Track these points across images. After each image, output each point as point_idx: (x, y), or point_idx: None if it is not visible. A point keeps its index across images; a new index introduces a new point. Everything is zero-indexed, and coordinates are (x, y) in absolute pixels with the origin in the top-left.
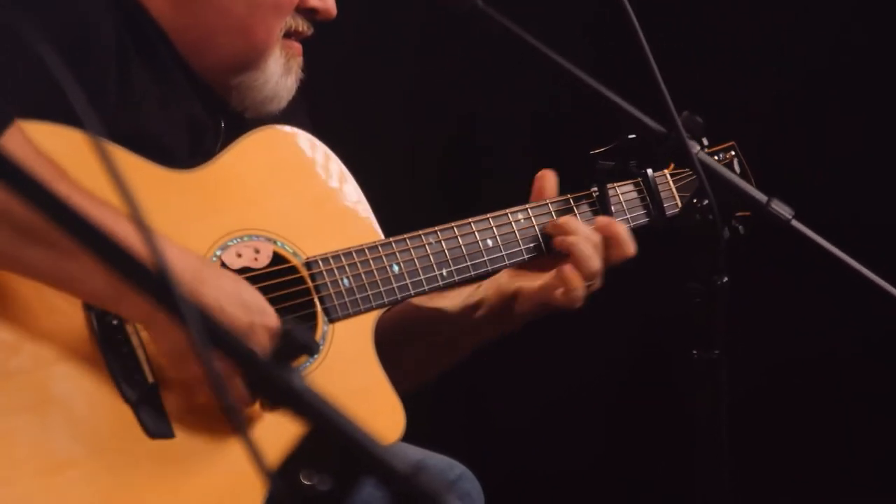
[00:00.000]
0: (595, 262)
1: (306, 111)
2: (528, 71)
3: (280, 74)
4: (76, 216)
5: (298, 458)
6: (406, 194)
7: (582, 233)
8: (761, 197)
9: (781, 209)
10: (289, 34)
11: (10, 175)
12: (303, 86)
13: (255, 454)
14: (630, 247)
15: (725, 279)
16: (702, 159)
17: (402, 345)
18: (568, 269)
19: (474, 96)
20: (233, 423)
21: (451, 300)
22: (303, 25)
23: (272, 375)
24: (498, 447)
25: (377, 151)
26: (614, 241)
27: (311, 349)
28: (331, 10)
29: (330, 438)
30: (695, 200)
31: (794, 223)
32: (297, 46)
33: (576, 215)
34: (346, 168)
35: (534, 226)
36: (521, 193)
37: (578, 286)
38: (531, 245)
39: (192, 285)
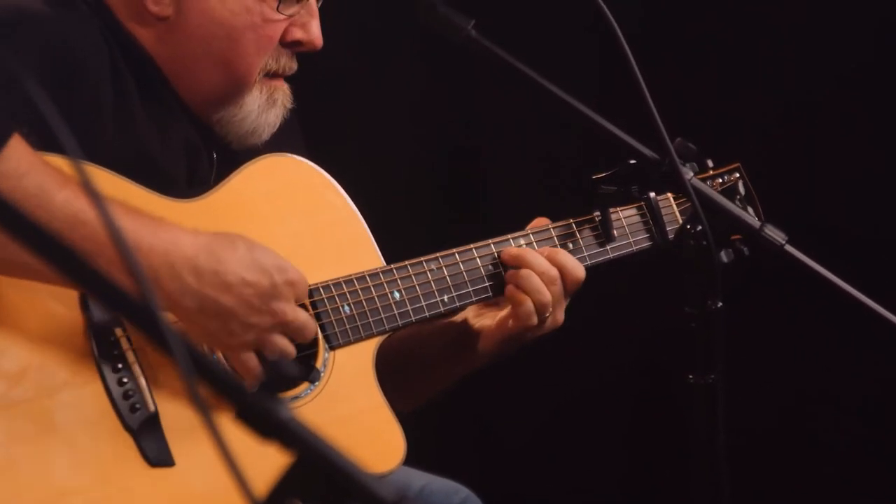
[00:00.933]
0: (544, 294)
1: (301, 135)
2: (533, 95)
3: (259, 111)
4: (58, 246)
5: (285, 487)
6: (408, 219)
7: (535, 266)
8: (755, 222)
9: (775, 234)
10: (271, 74)
11: None
12: (299, 108)
13: (243, 483)
14: (579, 271)
15: (720, 304)
16: (695, 185)
17: (390, 369)
18: (522, 302)
19: (478, 120)
20: (220, 453)
21: (423, 336)
22: (286, 64)
23: (259, 407)
24: (502, 470)
25: (380, 174)
26: (562, 269)
27: (298, 381)
28: (316, 42)
29: (316, 468)
30: (688, 226)
31: (788, 248)
32: (281, 84)
33: (578, 240)
34: (348, 193)
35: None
36: (524, 218)
37: (531, 319)
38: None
39: (210, 265)
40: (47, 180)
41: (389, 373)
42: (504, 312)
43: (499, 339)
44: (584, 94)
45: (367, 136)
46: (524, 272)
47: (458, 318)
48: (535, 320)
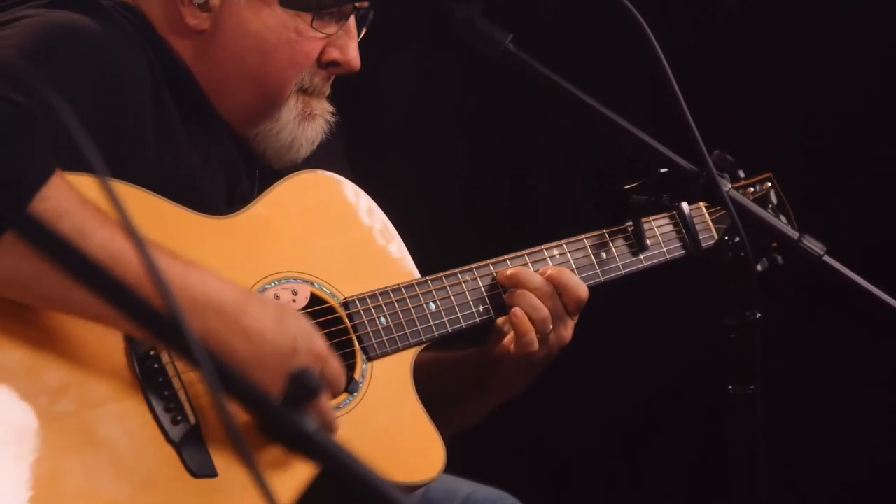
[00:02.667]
0: (541, 311)
1: (344, 152)
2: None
3: (296, 123)
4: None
5: (311, 499)
6: (445, 231)
7: (529, 284)
8: (793, 233)
9: (813, 245)
10: (304, 90)
11: (33, 235)
12: (341, 125)
13: (268, 494)
14: (581, 290)
15: (759, 315)
16: (733, 197)
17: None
18: (516, 311)
19: (524, 134)
20: (246, 465)
21: (450, 368)
22: (320, 85)
23: (284, 419)
24: (551, 480)
25: (417, 188)
26: (563, 288)
27: (320, 393)
28: (352, 64)
29: (341, 480)
30: (727, 238)
31: (827, 259)
32: (319, 100)
33: (612, 250)
34: (392, 209)
35: (569, 261)
36: (569, 231)
37: (528, 331)
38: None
39: (234, 315)
40: (85, 222)
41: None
42: (508, 337)
43: (508, 365)
44: (622, 106)
45: (412, 153)
46: (518, 292)
47: (475, 350)
48: (534, 342)
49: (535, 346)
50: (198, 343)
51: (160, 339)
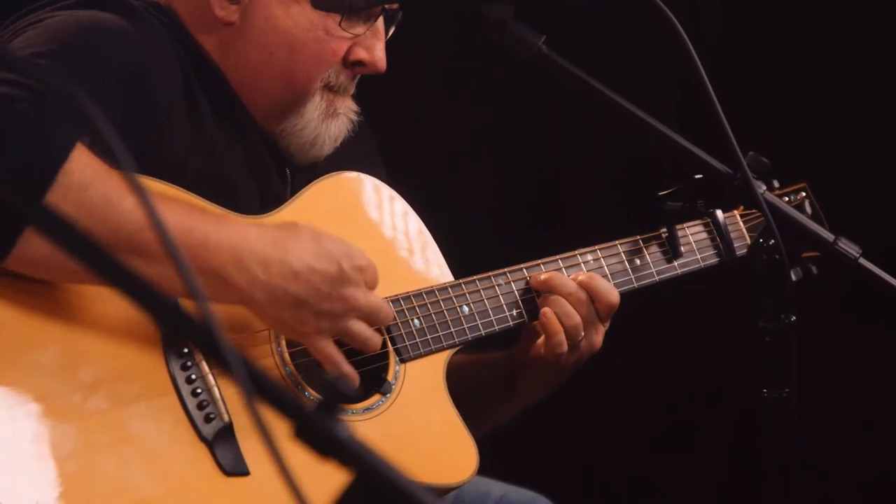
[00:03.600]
0: (573, 318)
1: (379, 153)
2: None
3: (319, 120)
4: (121, 269)
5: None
6: (478, 234)
7: (562, 290)
8: (828, 236)
9: (849, 248)
10: (329, 88)
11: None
12: (377, 126)
13: (300, 496)
14: (613, 296)
15: (794, 318)
16: (768, 199)
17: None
18: (547, 312)
19: (556, 137)
20: (278, 469)
21: (481, 370)
22: (345, 84)
23: (318, 425)
24: (585, 483)
25: (448, 192)
26: (595, 294)
27: (354, 399)
28: (378, 65)
29: (375, 486)
30: (761, 240)
31: (862, 261)
32: (344, 98)
33: (645, 256)
34: (427, 212)
35: (603, 266)
36: (593, 234)
37: (558, 333)
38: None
39: (277, 260)
40: (112, 189)
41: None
42: (539, 340)
43: (537, 368)
44: (651, 108)
45: (442, 157)
46: (552, 297)
47: (504, 353)
48: (564, 345)
49: (565, 346)
50: (230, 348)
51: (193, 343)
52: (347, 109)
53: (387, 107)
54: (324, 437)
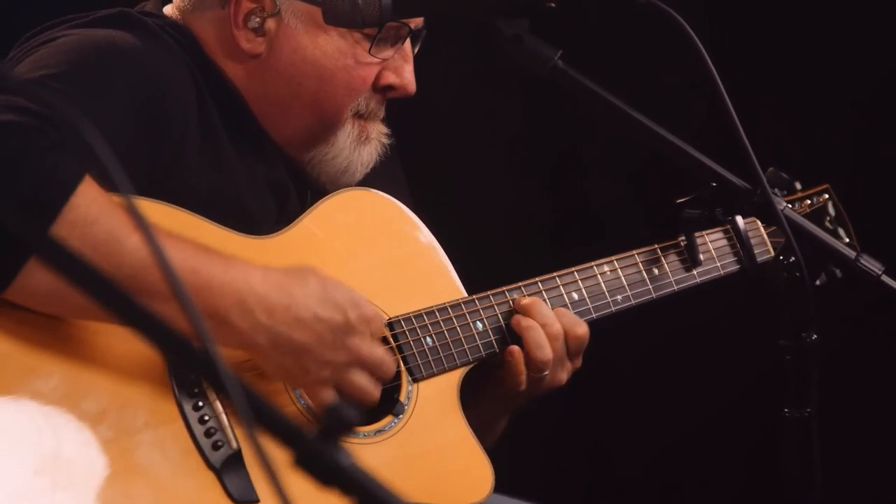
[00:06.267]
0: (545, 351)
1: (403, 173)
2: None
3: (352, 148)
4: (122, 296)
5: None
6: (491, 250)
7: (541, 320)
8: (850, 253)
9: (871, 264)
10: (360, 115)
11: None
12: (397, 143)
13: None
14: (580, 327)
15: (815, 336)
16: (788, 216)
17: None
18: (514, 350)
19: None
20: (279, 498)
21: None
22: (375, 109)
23: (319, 453)
24: (598, 498)
25: (461, 206)
26: (568, 329)
27: (356, 426)
28: (409, 88)
29: None
30: (782, 257)
31: (885, 278)
32: (375, 123)
33: (664, 265)
34: (431, 222)
35: (620, 277)
36: (612, 246)
37: (521, 371)
38: (619, 297)
39: (282, 306)
40: (118, 226)
41: None
42: (502, 370)
43: (492, 397)
44: (669, 121)
45: (456, 171)
46: (527, 323)
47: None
48: (522, 378)
49: (530, 385)
50: (229, 375)
51: (193, 370)
52: (379, 134)
53: (404, 119)
54: (325, 465)
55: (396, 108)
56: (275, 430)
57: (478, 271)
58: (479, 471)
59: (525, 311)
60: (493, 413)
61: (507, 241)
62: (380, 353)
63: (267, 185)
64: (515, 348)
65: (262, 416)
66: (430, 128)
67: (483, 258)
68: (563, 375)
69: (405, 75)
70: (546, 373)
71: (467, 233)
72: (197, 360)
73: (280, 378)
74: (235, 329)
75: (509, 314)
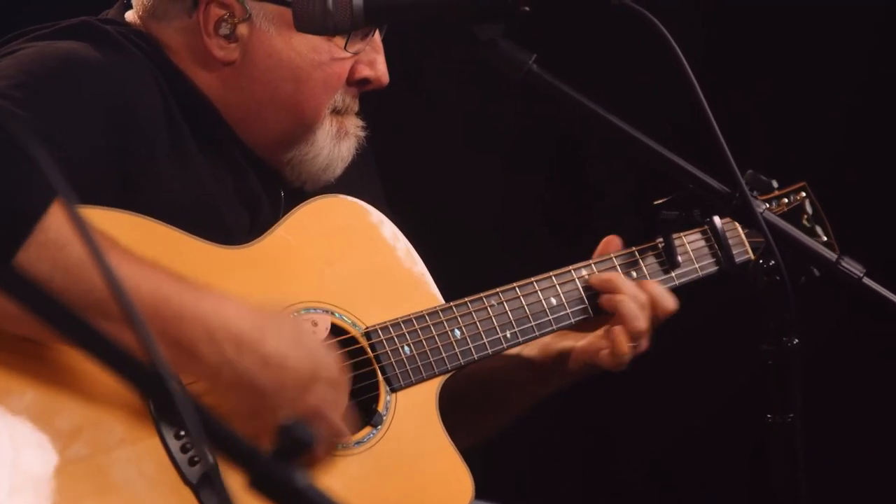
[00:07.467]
0: (641, 321)
1: (379, 180)
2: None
3: (331, 144)
4: (69, 316)
5: None
6: (469, 254)
7: (628, 291)
8: (830, 255)
9: (852, 267)
10: (337, 111)
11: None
12: (371, 142)
13: None
14: (670, 302)
15: (797, 341)
16: (768, 219)
17: (456, 404)
18: (617, 330)
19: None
20: None
21: (500, 359)
22: (350, 104)
23: (274, 474)
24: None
25: (440, 209)
26: (656, 300)
27: (311, 445)
28: (383, 80)
29: None
30: (762, 261)
31: (866, 281)
32: (350, 118)
33: (642, 268)
34: (407, 227)
35: None
36: (590, 251)
37: (625, 348)
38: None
39: (252, 342)
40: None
41: (463, 407)
42: (591, 338)
43: (584, 362)
44: (646, 123)
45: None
46: (619, 298)
47: (539, 344)
48: (626, 348)
49: (627, 360)
50: (182, 397)
51: (144, 393)
52: (356, 128)
53: (387, 119)
54: (281, 486)
55: (375, 104)
56: (227, 449)
57: (456, 275)
58: (458, 480)
59: (607, 287)
60: (556, 389)
61: (480, 247)
62: (338, 424)
63: (239, 194)
64: (617, 328)
65: (213, 435)
66: (408, 129)
67: (463, 261)
68: (647, 343)
69: (378, 67)
70: (640, 342)
71: (448, 235)
72: (149, 382)
73: (230, 414)
74: (202, 360)
75: (487, 321)
